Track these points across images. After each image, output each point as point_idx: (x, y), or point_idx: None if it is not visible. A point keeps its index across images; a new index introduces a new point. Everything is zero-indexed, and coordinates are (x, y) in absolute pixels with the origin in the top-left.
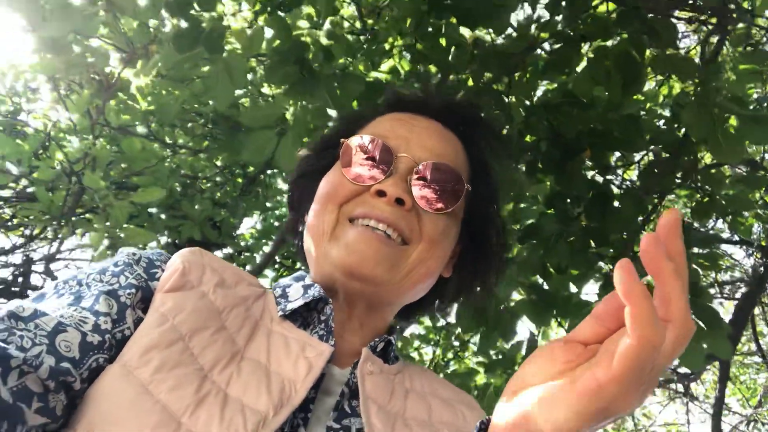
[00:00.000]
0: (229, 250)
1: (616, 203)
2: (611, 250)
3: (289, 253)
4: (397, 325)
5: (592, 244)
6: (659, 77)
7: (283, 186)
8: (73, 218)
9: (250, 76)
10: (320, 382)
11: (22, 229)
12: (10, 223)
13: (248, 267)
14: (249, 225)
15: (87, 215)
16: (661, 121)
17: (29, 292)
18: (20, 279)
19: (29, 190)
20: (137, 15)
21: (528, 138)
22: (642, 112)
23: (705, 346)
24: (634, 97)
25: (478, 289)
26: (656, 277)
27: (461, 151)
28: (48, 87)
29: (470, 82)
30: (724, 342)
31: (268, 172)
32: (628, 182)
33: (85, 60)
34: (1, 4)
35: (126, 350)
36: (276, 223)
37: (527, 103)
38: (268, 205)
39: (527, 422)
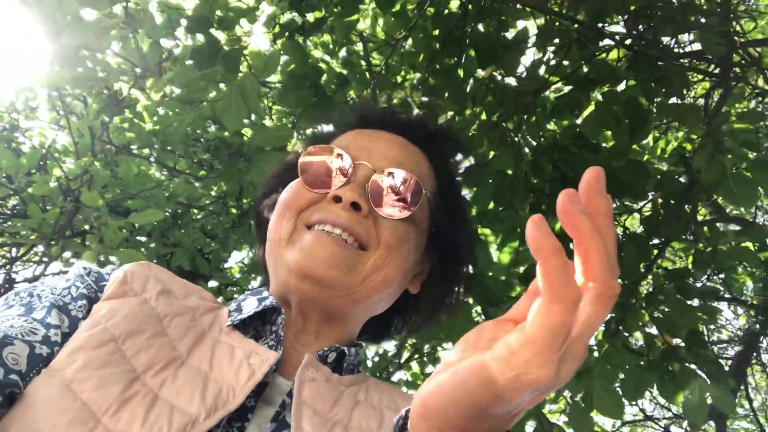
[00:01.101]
0: (215, 282)
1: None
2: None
3: None
4: (364, 344)
5: None
6: (656, 132)
7: None
8: (64, 239)
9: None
10: (263, 391)
11: (6, 249)
12: None
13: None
14: (238, 259)
15: (78, 237)
16: (665, 169)
17: None
18: None
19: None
20: (153, 33)
21: (534, 180)
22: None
23: (709, 400)
24: (634, 147)
25: (449, 304)
26: (574, 234)
27: (425, 164)
28: (47, 107)
29: (483, 116)
30: (727, 396)
31: None
32: (627, 231)
33: (95, 74)
34: (21, 14)
35: (57, 355)
36: None
37: (534, 143)
38: None
39: (439, 397)
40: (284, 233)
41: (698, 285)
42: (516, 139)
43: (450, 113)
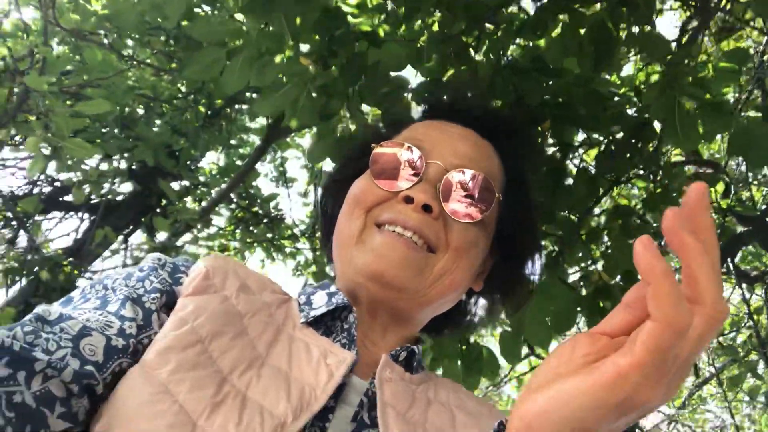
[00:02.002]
0: (185, 182)
1: (569, 181)
2: (560, 232)
3: (247, 194)
4: (424, 339)
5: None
6: (639, 63)
7: (251, 124)
8: (15, 121)
9: None
10: (340, 392)
11: None
12: None
13: (203, 203)
14: (212, 159)
15: (29, 123)
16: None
17: None
18: None
19: None
20: None
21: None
22: (617, 96)
23: None
24: (612, 78)
25: (507, 304)
26: (681, 254)
27: (496, 160)
28: None
29: (435, 28)
30: None
31: (236, 107)
32: (585, 164)
33: None
34: None
35: (146, 352)
36: (239, 162)
37: (493, 63)
38: (232, 142)
39: (544, 418)
40: (354, 231)
41: (654, 226)
42: (474, 55)
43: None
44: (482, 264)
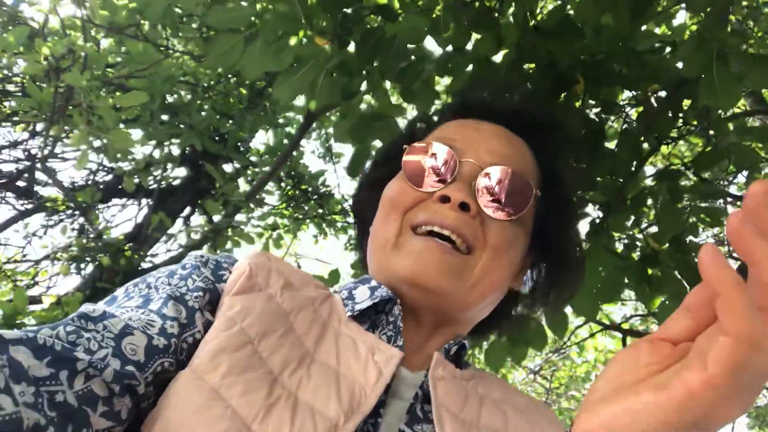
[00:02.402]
0: (236, 164)
1: (611, 144)
2: (603, 196)
3: (295, 172)
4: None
5: (581, 188)
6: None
7: (293, 102)
8: (64, 117)
9: None
10: (390, 385)
11: (27, 125)
12: (15, 118)
13: (254, 182)
14: (262, 140)
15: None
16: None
17: (35, 188)
18: (25, 174)
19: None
20: None
21: (526, 66)
22: (666, 50)
23: None
24: (659, 30)
25: (550, 303)
26: (749, 261)
27: (530, 157)
28: None
29: None
30: None
31: None
32: (627, 124)
33: None
34: None
35: (196, 355)
36: (286, 141)
37: (521, 26)
38: (280, 121)
39: None
40: (390, 235)
41: (710, 184)
42: (500, 19)
43: None
44: (521, 262)
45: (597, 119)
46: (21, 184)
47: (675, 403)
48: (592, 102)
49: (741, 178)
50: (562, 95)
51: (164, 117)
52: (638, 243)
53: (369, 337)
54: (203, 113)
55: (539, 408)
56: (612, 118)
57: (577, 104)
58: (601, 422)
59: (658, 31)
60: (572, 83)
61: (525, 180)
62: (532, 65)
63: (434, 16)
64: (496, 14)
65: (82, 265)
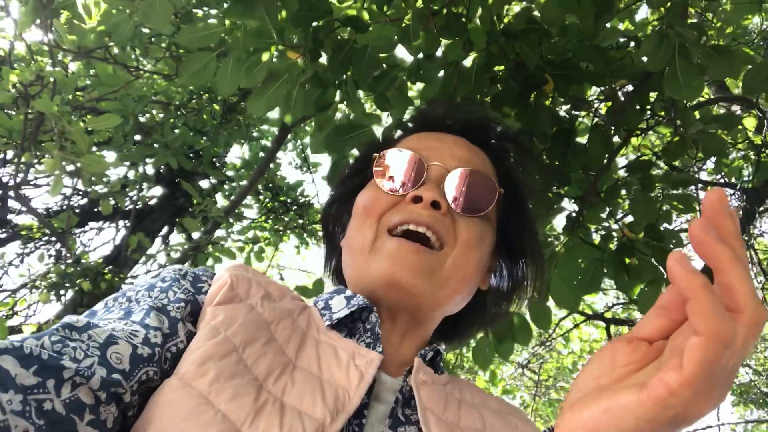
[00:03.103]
0: (213, 180)
1: (581, 140)
2: (578, 190)
3: (273, 185)
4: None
5: (555, 184)
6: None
7: (266, 115)
8: (39, 144)
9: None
10: (371, 389)
11: None
12: None
13: (233, 197)
14: (237, 154)
15: (49, 141)
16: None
17: (8, 217)
18: None
19: None
20: None
21: (495, 68)
22: (630, 45)
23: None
24: (622, 26)
25: (516, 300)
26: (712, 264)
27: (489, 163)
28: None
29: (419, 3)
30: None
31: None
32: (597, 120)
33: None
34: None
35: (181, 363)
36: (261, 153)
37: (488, 30)
38: (254, 134)
39: None
40: (367, 241)
41: (680, 173)
42: (467, 23)
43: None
44: (488, 261)
45: (567, 116)
46: None
47: (655, 402)
48: (561, 99)
49: (710, 164)
50: (533, 95)
51: (136, 137)
52: (614, 234)
53: (349, 343)
54: (176, 131)
55: (512, 410)
56: (582, 114)
57: (547, 103)
58: (584, 422)
59: (621, 26)
60: (541, 83)
61: (489, 179)
62: (501, 67)
63: (404, 25)
64: (464, 20)
65: (62, 292)
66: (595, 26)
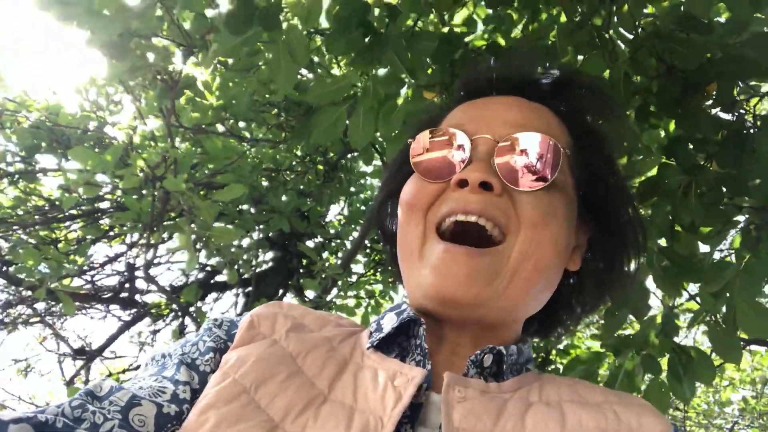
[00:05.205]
0: (319, 239)
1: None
2: (751, 199)
3: (379, 237)
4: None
5: (727, 195)
6: None
7: (365, 168)
8: (163, 223)
9: (316, 59)
10: (417, 413)
11: (122, 237)
12: (111, 233)
13: (340, 254)
14: (336, 212)
15: (176, 219)
16: None
17: (136, 296)
18: (126, 285)
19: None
20: (190, 5)
21: (636, 78)
22: None
23: None
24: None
25: (617, 277)
26: None
27: (553, 119)
28: (130, 98)
29: (563, 18)
30: None
31: (349, 156)
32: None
33: (146, 61)
34: (65, 18)
35: (188, 416)
36: (362, 207)
37: (631, 37)
38: (352, 189)
39: None
40: (415, 244)
41: None
42: (607, 36)
43: (523, 21)
44: (574, 237)
45: (734, 118)
46: (123, 295)
47: None
48: (708, 102)
49: None
50: (690, 100)
51: (244, 206)
52: None
53: (391, 363)
54: (284, 197)
55: (621, 398)
56: (743, 114)
57: (704, 106)
58: None
59: None
60: (703, 85)
61: (549, 141)
62: (638, 77)
63: (549, 42)
64: (604, 33)
65: None
66: (752, 11)
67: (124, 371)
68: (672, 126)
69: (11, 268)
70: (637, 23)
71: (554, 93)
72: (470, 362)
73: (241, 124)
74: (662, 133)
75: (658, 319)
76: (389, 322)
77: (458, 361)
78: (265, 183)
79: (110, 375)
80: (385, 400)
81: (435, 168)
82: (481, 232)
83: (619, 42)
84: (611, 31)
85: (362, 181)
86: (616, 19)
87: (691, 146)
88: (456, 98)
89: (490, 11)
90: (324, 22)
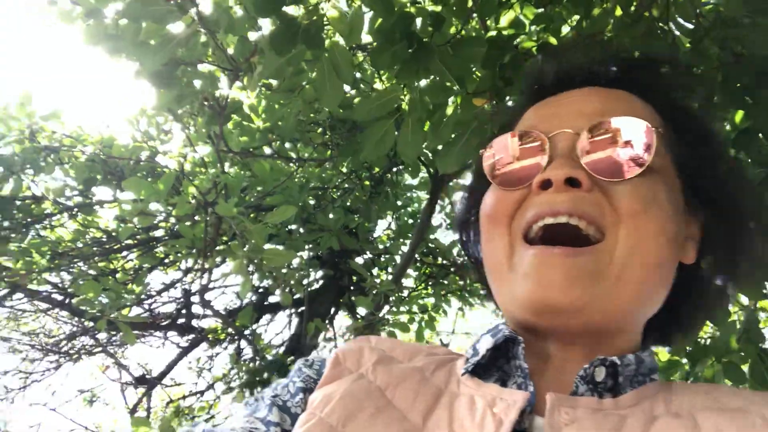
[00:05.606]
0: (369, 255)
1: None
2: None
3: (429, 250)
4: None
5: None
6: None
7: (411, 181)
8: (216, 248)
9: (359, 74)
10: None
11: (177, 264)
12: (166, 261)
13: (390, 269)
14: (384, 227)
15: (229, 243)
16: None
17: (193, 322)
18: (183, 311)
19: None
20: (233, 29)
21: (699, 69)
22: None
23: None
24: None
25: (741, 266)
26: None
27: (637, 102)
28: (179, 126)
29: (618, 12)
30: None
31: (394, 169)
32: None
33: (193, 87)
34: (114, 51)
35: None
36: (410, 221)
37: (691, 26)
38: (399, 203)
39: None
40: (501, 256)
41: None
42: (666, 27)
43: (575, 19)
44: (683, 226)
45: None
46: (180, 321)
47: None
48: None
49: None
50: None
51: (293, 226)
52: None
53: (490, 388)
54: (331, 215)
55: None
56: None
57: None
58: None
59: None
60: None
61: (636, 121)
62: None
63: (606, 38)
64: (662, 23)
65: (258, 389)
66: None
67: (184, 397)
68: (738, 117)
69: (74, 300)
70: (697, 11)
71: (631, 75)
72: (579, 378)
73: (287, 144)
74: (727, 127)
75: (738, 324)
76: (485, 345)
77: (568, 380)
78: (312, 202)
79: (171, 402)
80: (484, 428)
81: (513, 175)
82: (575, 234)
83: (677, 33)
84: (670, 22)
85: (409, 194)
86: (673, 9)
87: (761, 137)
88: (521, 104)
89: (540, 10)
90: (365, 38)
